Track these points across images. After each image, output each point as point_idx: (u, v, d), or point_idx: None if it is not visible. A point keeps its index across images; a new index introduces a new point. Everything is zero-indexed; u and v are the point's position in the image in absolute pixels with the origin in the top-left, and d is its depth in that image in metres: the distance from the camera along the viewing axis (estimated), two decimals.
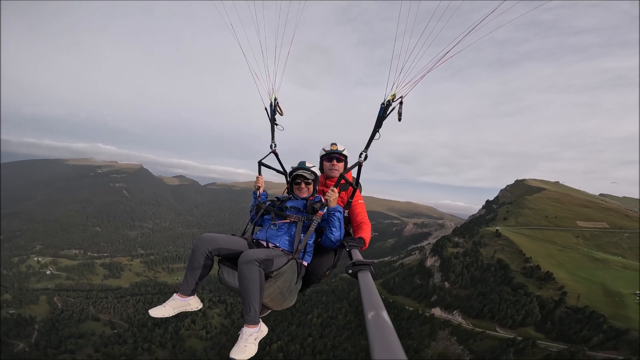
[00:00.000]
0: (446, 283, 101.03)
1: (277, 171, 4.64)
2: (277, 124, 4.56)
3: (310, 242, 3.75)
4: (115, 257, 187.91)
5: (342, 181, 3.85)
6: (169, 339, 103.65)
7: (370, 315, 1.44)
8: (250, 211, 4.20)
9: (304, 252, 3.69)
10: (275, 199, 4.19)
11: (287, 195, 4.27)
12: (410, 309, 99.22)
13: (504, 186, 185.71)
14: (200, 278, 3.50)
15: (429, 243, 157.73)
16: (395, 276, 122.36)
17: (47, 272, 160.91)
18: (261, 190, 4.29)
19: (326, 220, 3.72)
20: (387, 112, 3.33)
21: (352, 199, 4.12)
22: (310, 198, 4.00)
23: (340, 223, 3.68)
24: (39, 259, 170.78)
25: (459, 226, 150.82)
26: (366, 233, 3.94)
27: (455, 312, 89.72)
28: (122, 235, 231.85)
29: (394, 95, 3.25)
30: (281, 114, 4.56)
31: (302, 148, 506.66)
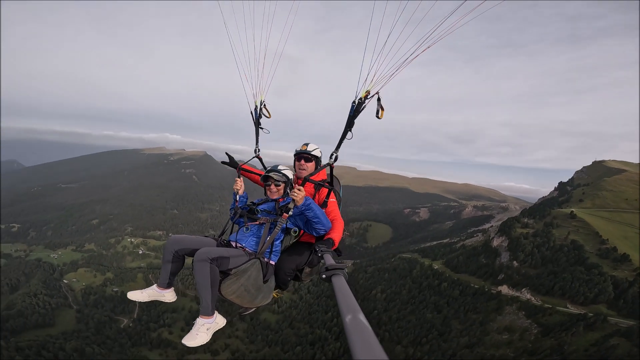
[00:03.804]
0: (515, 262, 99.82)
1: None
2: (262, 128, 4.53)
3: (277, 242, 3.82)
4: None
5: (315, 180, 4.09)
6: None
7: (347, 318, 1.42)
8: (230, 211, 4.30)
9: (270, 252, 3.75)
10: (251, 203, 4.26)
11: (263, 198, 4.28)
12: (476, 286, 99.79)
13: (579, 168, 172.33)
14: (172, 274, 3.78)
15: (491, 226, 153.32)
16: (458, 255, 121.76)
17: (140, 252, 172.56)
18: (240, 192, 4.33)
19: (302, 218, 3.76)
20: (360, 110, 3.34)
21: (327, 199, 4.17)
22: (280, 200, 4.06)
23: (320, 211, 3.68)
24: (132, 239, 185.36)
25: (527, 208, 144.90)
26: (336, 232, 3.91)
27: (523, 289, 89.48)
28: (195, 217, 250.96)
29: (368, 92, 3.23)
30: (268, 117, 4.52)
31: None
